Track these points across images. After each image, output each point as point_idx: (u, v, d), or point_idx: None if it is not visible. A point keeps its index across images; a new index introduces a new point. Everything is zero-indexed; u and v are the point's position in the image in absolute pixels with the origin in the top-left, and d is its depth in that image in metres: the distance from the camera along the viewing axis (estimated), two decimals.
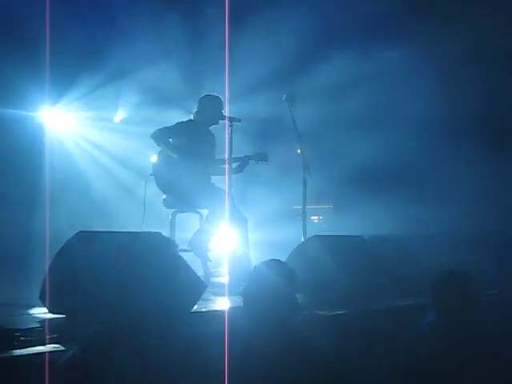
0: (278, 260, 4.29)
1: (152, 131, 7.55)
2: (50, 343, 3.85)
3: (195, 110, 7.83)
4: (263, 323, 3.91)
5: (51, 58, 7.69)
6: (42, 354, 3.70)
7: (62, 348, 3.69)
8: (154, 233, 5.05)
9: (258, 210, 10.04)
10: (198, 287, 5.09)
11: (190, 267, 5.10)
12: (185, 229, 7.85)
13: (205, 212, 7.61)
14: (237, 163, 7.83)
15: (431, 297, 4.68)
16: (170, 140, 7.52)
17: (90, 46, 9.65)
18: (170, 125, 7.66)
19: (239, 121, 7.61)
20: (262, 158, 7.97)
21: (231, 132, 7.46)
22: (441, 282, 4.64)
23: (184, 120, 7.80)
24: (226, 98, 7.83)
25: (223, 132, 7.73)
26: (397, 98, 10.86)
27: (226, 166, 7.61)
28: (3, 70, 8.59)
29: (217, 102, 7.77)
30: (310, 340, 3.96)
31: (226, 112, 7.76)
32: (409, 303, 6.38)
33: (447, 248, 8.73)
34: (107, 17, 9.60)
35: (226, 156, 7.52)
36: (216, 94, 7.90)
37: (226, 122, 7.56)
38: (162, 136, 7.51)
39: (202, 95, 7.92)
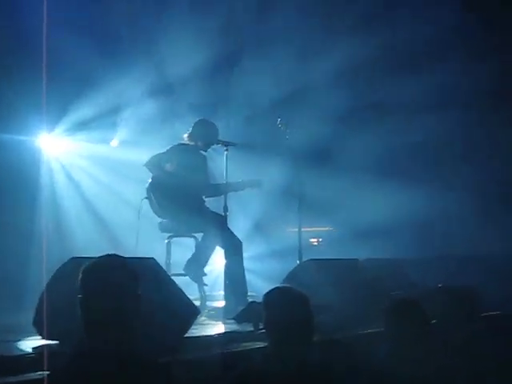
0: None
1: (146, 160, 7.65)
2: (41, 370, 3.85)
3: (188, 132, 7.89)
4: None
5: (49, 82, 7.72)
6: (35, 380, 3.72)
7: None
8: (147, 258, 5.06)
9: (254, 233, 10.05)
10: (191, 312, 5.11)
11: (182, 292, 5.12)
12: (181, 253, 7.88)
13: (200, 236, 7.65)
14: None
15: (386, 325, 4.76)
16: (164, 166, 7.58)
17: (88, 70, 9.67)
18: (162, 151, 7.74)
19: (234, 145, 7.69)
20: (257, 184, 8.04)
21: (227, 156, 7.54)
22: (393, 311, 4.73)
23: (175, 144, 7.87)
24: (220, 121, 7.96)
25: (218, 155, 7.81)
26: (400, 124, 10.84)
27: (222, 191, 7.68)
28: (1, 94, 8.61)
29: (211, 128, 7.84)
30: None
31: (221, 136, 7.84)
32: None
33: (445, 270, 8.70)
34: (106, 42, 9.62)
35: (221, 180, 7.60)
36: (211, 120, 7.97)
37: (222, 146, 7.65)
38: (156, 164, 7.60)
39: (197, 120, 7.99)
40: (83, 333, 3.23)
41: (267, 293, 4.06)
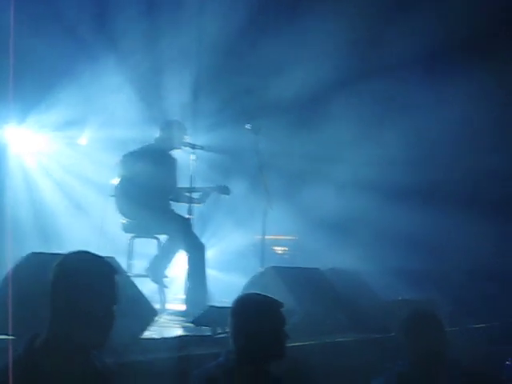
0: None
1: (119, 158, 7.57)
2: None
3: (158, 134, 7.84)
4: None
5: (16, 74, 7.61)
6: None
7: None
8: (107, 257, 5.00)
9: (220, 238, 10.02)
10: (148, 314, 5.07)
11: (141, 293, 5.08)
12: (144, 254, 7.82)
13: (163, 238, 7.61)
14: (198, 193, 7.86)
15: (404, 339, 4.61)
16: (135, 165, 7.51)
17: (56, 64, 9.54)
18: (134, 149, 7.70)
19: (201, 148, 7.67)
20: (224, 191, 8.00)
21: (194, 159, 7.52)
22: (414, 324, 4.60)
23: (146, 144, 7.82)
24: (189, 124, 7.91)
25: (186, 158, 7.78)
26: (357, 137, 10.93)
27: (188, 194, 7.66)
28: None
29: (179, 128, 7.79)
30: None
31: (189, 138, 7.81)
32: (365, 338, 6.41)
33: (405, 283, 8.77)
34: (75, 35, 9.51)
35: (189, 184, 7.57)
36: (178, 120, 7.94)
37: (189, 148, 7.63)
38: (128, 162, 7.53)
39: (165, 120, 7.94)
40: (48, 326, 3.03)
41: (237, 300, 4.00)
